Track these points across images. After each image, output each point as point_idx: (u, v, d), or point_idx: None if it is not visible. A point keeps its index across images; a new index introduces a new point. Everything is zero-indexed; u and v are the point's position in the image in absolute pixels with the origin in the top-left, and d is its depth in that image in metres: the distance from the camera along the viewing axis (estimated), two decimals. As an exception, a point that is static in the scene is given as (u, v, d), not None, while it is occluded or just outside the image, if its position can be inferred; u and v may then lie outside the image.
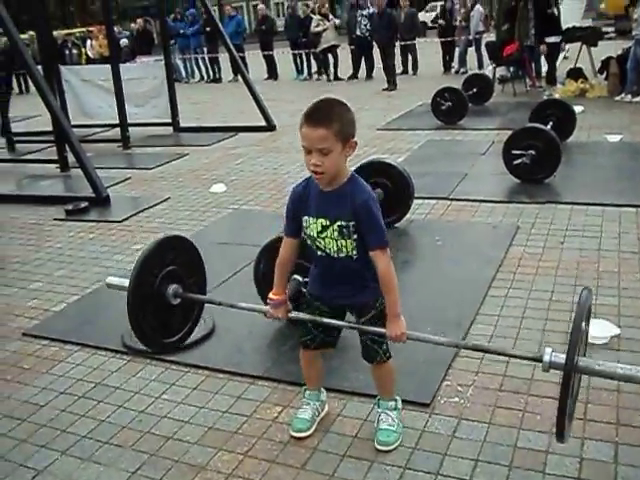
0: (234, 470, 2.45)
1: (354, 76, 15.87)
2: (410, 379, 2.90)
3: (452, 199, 5.65)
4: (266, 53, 16.77)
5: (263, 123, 9.53)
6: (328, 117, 2.17)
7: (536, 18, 11.13)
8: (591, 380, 2.74)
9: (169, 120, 9.72)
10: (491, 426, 2.63)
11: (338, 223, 2.30)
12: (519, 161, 5.74)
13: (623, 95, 9.93)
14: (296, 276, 3.43)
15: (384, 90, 13.24)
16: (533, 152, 5.71)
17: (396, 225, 4.94)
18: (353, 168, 4.96)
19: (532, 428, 2.59)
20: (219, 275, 4.14)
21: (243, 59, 10.94)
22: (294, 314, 2.54)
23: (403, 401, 2.67)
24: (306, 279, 3.39)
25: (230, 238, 4.95)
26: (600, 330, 3.26)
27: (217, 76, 17.92)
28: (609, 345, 3.16)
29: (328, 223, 2.32)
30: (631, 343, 3.17)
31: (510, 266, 4.17)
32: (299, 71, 16.96)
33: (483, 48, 14.11)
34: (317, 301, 2.52)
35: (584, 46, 11.72)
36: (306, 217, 2.37)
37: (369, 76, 15.79)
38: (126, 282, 2.73)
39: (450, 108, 9.00)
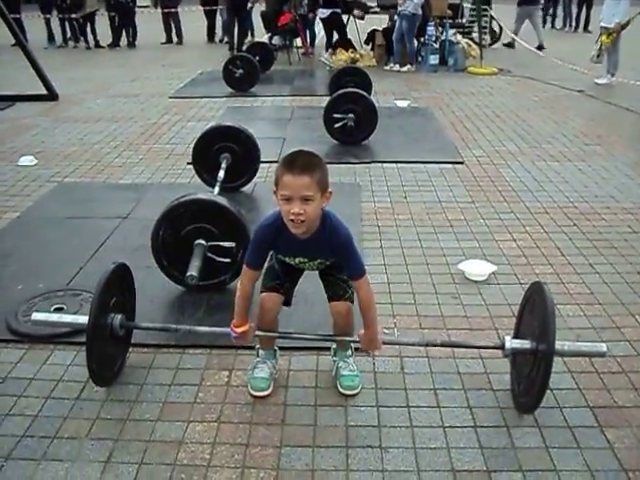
0: (216, 438, 2.37)
1: (115, 44, 15.08)
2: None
3: (285, 162, 5.78)
4: (12, 16, 15.09)
5: (40, 92, 8.70)
6: (310, 165, 2.21)
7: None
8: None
9: None
10: (430, 359, 2.87)
11: (318, 260, 2.47)
12: (341, 123, 6.06)
13: (392, 65, 10.86)
14: (200, 240, 3.35)
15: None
16: (353, 115, 6.07)
17: (242, 189, 4.97)
18: (198, 135, 4.93)
19: (464, 356, 2.88)
20: (84, 249, 3.88)
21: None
22: (259, 332, 2.58)
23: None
24: (210, 243, 3.33)
25: (72, 212, 4.54)
26: (479, 268, 3.68)
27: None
28: (488, 280, 3.59)
29: (307, 260, 2.46)
30: (505, 277, 3.63)
31: (371, 220, 4.45)
32: (51, 38, 15.55)
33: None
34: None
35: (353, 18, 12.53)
36: (280, 255, 2.48)
37: (132, 44, 15.14)
38: (54, 317, 2.65)
39: (242, 76, 9.11)
